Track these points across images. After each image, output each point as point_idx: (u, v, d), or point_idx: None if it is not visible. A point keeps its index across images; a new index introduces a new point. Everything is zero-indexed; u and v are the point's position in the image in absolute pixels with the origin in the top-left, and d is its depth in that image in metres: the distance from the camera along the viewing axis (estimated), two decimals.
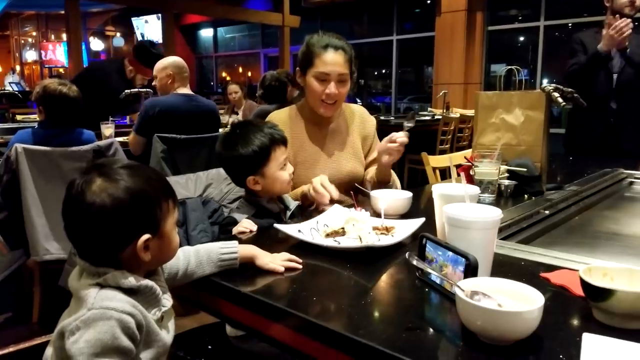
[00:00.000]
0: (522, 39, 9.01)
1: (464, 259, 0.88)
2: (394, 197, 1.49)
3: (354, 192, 1.56)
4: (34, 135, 2.53)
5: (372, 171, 1.85)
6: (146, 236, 0.87)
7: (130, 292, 0.87)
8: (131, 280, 0.87)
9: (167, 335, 0.93)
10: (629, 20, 2.71)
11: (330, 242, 1.19)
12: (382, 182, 1.77)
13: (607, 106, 2.91)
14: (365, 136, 1.93)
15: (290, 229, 1.25)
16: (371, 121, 1.97)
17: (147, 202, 0.88)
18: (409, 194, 1.48)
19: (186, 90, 3.06)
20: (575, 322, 0.85)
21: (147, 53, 3.70)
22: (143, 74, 3.78)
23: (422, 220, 1.29)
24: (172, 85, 3.03)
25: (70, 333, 0.80)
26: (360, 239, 1.17)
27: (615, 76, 2.86)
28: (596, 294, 0.81)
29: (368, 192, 1.58)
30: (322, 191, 1.52)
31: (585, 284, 0.82)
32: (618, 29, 2.67)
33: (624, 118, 2.90)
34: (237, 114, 5.06)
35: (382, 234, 1.25)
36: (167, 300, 0.96)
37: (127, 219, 0.86)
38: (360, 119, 1.93)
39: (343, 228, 1.25)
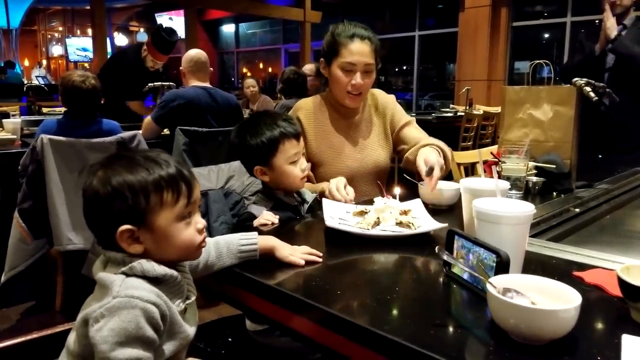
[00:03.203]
0: (547, 35, 8.84)
1: (495, 255, 0.85)
2: (442, 188, 1.48)
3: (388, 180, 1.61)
4: (59, 125, 2.57)
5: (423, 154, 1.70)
6: (125, 227, 0.84)
7: (155, 281, 0.86)
8: (157, 269, 0.86)
9: (190, 327, 0.91)
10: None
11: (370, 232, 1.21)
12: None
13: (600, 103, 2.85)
14: (392, 115, 1.87)
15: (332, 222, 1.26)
16: (390, 99, 1.91)
17: (127, 193, 0.84)
18: (456, 185, 1.46)
19: (203, 82, 3.08)
20: (612, 323, 0.81)
21: (160, 39, 3.72)
22: (154, 57, 3.80)
23: (444, 225, 1.21)
24: (186, 79, 3.10)
25: (94, 320, 0.80)
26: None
27: (606, 74, 2.82)
28: (635, 294, 0.77)
29: (415, 182, 1.56)
30: (339, 196, 1.48)
31: (623, 283, 0.78)
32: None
33: (617, 116, 2.83)
34: (252, 110, 5.07)
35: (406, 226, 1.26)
36: (192, 293, 0.94)
37: (102, 208, 0.85)
38: (382, 101, 1.89)
39: (379, 217, 1.26)
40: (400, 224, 1.24)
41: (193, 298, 0.94)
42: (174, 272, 0.88)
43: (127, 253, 0.86)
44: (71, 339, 0.87)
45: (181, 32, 12.97)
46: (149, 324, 0.80)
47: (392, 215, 1.24)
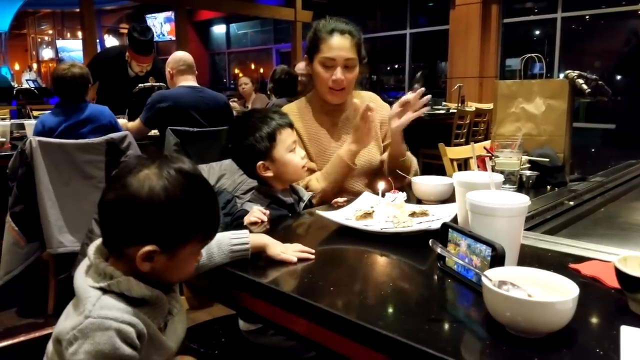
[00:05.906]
0: (538, 32, 8.86)
1: (489, 248, 0.84)
2: (435, 183, 1.48)
3: (393, 176, 1.58)
4: (54, 114, 2.69)
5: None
6: (150, 247, 0.81)
7: (134, 301, 0.82)
8: (137, 290, 0.82)
9: (172, 338, 0.90)
10: None
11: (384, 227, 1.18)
12: (394, 157, 1.70)
13: None
14: (382, 121, 1.84)
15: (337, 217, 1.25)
16: (385, 106, 1.89)
17: (179, 216, 0.82)
18: (449, 180, 1.46)
19: (190, 82, 3.06)
20: (610, 314, 0.80)
21: (135, 41, 3.61)
22: (138, 61, 3.67)
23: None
24: (173, 80, 3.10)
25: (68, 343, 0.77)
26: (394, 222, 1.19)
27: None
28: (633, 285, 0.76)
29: (408, 177, 1.57)
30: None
31: (621, 274, 0.77)
32: None
33: None
34: (247, 108, 5.05)
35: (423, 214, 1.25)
36: (175, 308, 0.92)
37: (138, 219, 0.81)
38: (373, 104, 1.83)
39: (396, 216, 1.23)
40: (414, 214, 1.23)
41: (176, 313, 0.92)
42: (155, 293, 0.85)
43: (115, 266, 0.83)
44: (49, 348, 0.85)
45: (171, 34, 12.95)
46: (125, 344, 0.77)
47: (399, 214, 1.22)
